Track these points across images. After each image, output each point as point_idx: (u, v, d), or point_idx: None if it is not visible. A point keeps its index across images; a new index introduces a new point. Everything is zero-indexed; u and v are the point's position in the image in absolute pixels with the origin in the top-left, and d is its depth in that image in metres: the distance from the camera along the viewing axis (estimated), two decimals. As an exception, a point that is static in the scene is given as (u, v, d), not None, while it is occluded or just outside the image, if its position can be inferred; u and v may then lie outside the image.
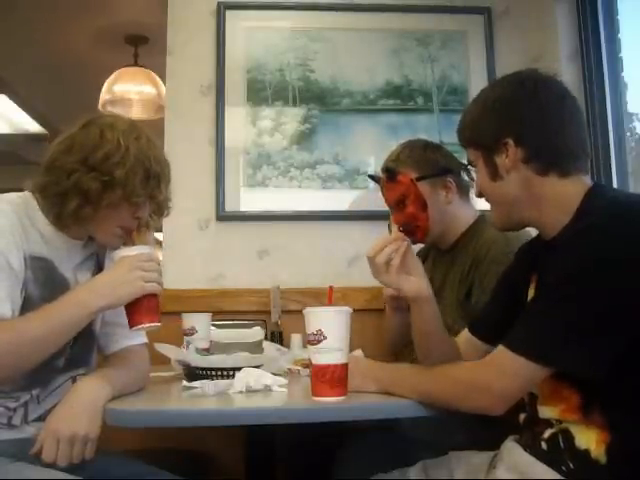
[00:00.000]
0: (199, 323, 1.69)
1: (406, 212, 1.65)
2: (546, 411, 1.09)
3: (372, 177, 1.89)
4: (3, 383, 1.22)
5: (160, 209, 1.39)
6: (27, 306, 1.24)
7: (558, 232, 1.10)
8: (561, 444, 1.04)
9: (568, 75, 2.22)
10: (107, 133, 1.28)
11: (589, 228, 1.03)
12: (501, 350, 1.05)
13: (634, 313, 0.97)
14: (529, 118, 1.15)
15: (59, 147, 1.28)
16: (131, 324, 1.25)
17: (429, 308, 1.24)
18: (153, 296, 1.24)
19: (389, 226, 1.31)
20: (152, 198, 1.33)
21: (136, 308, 1.23)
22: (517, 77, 1.21)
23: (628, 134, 2.18)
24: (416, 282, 1.21)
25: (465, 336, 1.34)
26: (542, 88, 1.17)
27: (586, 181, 1.15)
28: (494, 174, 1.19)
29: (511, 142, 1.15)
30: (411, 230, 1.68)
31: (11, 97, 4.27)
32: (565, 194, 1.12)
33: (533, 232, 1.60)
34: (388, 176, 1.72)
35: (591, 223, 1.04)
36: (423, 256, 1.87)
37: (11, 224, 1.23)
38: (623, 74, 2.17)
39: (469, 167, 1.33)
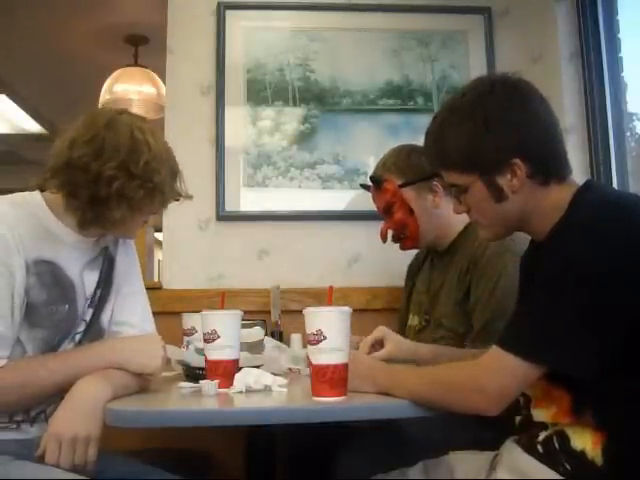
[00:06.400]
0: (199, 323, 1.69)
1: (394, 218, 1.73)
2: (540, 414, 1.09)
3: (363, 186, 1.92)
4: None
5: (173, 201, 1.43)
6: (31, 312, 1.23)
7: (547, 233, 1.09)
8: (556, 446, 1.04)
9: (568, 75, 2.22)
10: (137, 134, 1.25)
11: (573, 227, 1.03)
12: (494, 350, 1.04)
13: (618, 312, 0.97)
14: (530, 131, 1.10)
15: (85, 148, 1.21)
16: None
17: None
18: None
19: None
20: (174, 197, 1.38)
21: None
22: (500, 86, 1.13)
23: (628, 134, 2.18)
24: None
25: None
26: (528, 95, 1.13)
27: (574, 181, 1.14)
28: (499, 196, 1.13)
29: (519, 161, 1.09)
30: (401, 238, 1.75)
31: (11, 97, 4.28)
32: (561, 199, 1.09)
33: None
34: (375, 184, 1.77)
35: (575, 222, 1.03)
36: (421, 259, 1.88)
37: (11, 232, 1.21)
38: (623, 74, 2.17)
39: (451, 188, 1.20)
